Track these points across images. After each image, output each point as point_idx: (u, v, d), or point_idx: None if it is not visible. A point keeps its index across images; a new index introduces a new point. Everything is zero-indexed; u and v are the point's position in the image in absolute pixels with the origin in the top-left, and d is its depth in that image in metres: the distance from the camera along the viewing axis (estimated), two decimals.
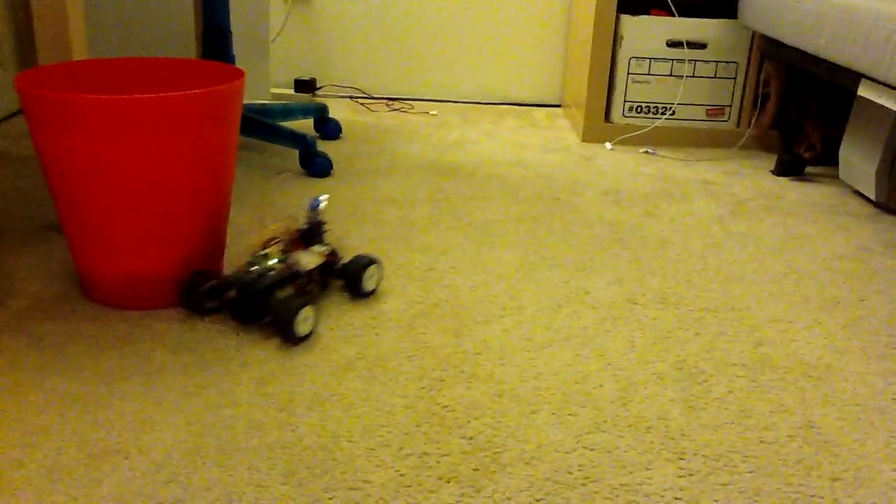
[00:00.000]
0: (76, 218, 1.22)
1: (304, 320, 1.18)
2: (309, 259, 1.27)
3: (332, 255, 1.33)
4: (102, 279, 1.26)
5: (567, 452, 0.98)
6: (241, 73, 1.32)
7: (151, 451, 0.94)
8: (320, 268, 1.29)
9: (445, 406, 1.05)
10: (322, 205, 1.33)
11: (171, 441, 0.96)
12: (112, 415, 1.01)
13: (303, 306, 1.17)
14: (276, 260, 1.23)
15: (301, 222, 1.34)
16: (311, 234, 1.33)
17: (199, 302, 1.24)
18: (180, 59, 1.43)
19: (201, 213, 1.27)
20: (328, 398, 1.06)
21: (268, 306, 1.19)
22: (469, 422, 1.02)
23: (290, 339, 1.18)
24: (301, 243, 1.30)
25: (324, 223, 1.34)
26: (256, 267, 1.22)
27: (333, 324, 1.25)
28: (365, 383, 1.10)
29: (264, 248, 1.26)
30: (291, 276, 1.24)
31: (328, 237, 1.39)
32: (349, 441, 0.97)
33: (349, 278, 1.32)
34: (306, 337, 1.20)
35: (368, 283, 1.33)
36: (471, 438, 0.99)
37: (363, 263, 1.32)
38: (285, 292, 1.22)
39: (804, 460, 0.99)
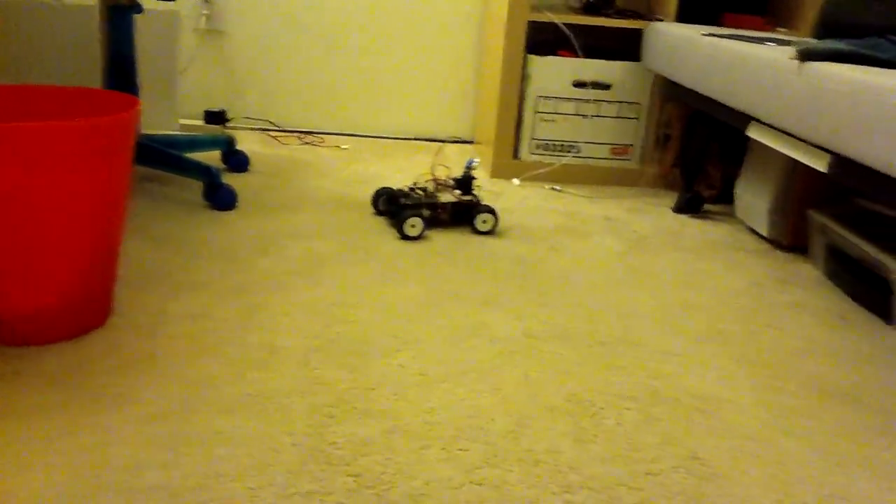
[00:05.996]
0: None
1: (412, 226, 1.81)
2: (446, 196, 1.91)
3: (470, 202, 1.92)
4: None
5: (455, 488, 0.97)
6: (135, 103, 1.30)
7: (20, 494, 0.90)
8: (453, 205, 1.91)
9: (334, 443, 1.04)
10: (475, 164, 1.94)
11: (45, 483, 0.92)
12: None
13: (410, 216, 1.80)
14: (425, 191, 1.92)
15: (456, 174, 1.98)
16: (463, 184, 1.94)
17: (377, 207, 1.96)
18: (75, 88, 1.40)
19: (88, 245, 1.23)
20: (214, 436, 1.03)
21: (398, 214, 1.83)
22: (357, 459, 1.01)
23: (400, 235, 1.81)
24: (449, 187, 1.94)
25: (473, 178, 1.95)
26: (409, 192, 1.91)
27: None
28: (254, 420, 1.08)
29: (424, 182, 1.95)
30: (430, 204, 1.89)
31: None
32: (232, 480, 0.95)
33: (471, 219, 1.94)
34: (412, 238, 1.82)
35: (483, 227, 1.92)
36: (358, 476, 0.98)
37: (485, 209, 1.90)
38: (416, 209, 1.84)
39: (687, 491, 1.01)
